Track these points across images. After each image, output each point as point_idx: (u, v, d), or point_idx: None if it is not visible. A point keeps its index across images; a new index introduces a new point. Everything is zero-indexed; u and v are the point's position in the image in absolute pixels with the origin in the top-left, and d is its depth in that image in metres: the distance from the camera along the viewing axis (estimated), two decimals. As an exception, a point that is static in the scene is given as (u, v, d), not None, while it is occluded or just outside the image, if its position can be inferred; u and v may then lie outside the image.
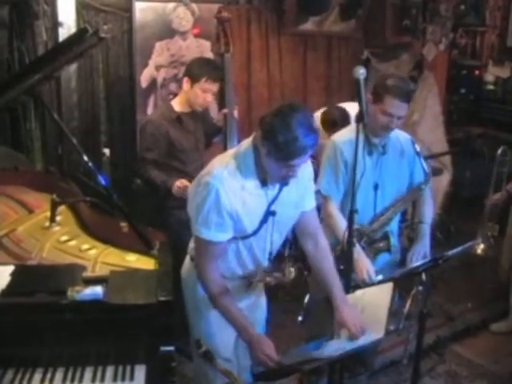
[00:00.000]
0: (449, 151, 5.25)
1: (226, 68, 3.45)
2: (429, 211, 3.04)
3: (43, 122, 3.82)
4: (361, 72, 2.21)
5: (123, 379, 1.95)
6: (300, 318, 3.64)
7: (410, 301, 3.63)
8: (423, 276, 2.67)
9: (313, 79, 4.92)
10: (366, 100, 2.36)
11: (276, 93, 4.72)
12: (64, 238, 2.47)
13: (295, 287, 3.47)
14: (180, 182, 3.09)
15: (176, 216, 3.17)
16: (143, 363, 1.99)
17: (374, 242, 2.86)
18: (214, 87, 3.23)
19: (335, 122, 3.91)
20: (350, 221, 2.33)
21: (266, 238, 2.26)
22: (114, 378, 1.95)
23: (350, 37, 5.06)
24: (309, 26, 4.80)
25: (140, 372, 1.97)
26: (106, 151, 4.20)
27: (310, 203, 2.35)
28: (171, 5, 4.05)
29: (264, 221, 2.19)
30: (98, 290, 1.96)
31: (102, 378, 1.95)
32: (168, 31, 4.09)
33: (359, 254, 2.70)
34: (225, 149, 3.20)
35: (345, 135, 2.77)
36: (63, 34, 3.64)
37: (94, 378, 1.94)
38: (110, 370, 1.97)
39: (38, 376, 1.93)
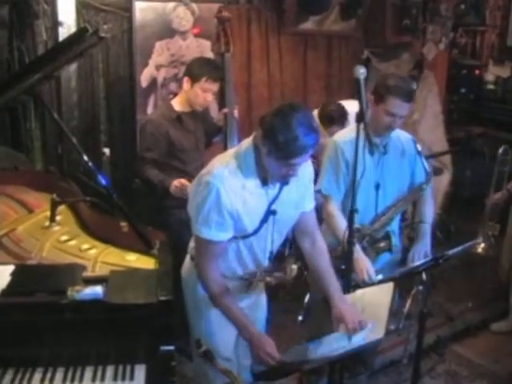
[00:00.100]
0: (449, 151, 5.25)
1: (226, 68, 3.45)
2: (429, 211, 3.04)
3: (43, 121, 3.82)
4: (361, 71, 2.21)
5: (123, 379, 1.94)
6: (300, 318, 3.64)
7: (410, 300, 3.63)
8: (423, 275, 2.66)
9: (313, 79, 4.92)
10: (367, 100, 2.36)
11: (276, 92, 4.72)
12: (64, 237, 2.47)
13: (295, 287, 3.47)
14: (178, 182, 3.08)
15: (176, 215, 3.17)
16: (143, 363, 1.99)
17: (375, 241, 2.86)
18: (215, 87, 3.23)
19: (332, 117, 3.92)
20: (351, 220, 2.33)
21: (266, 238, 2.26)
22: (114, 378, 1.94)
23: (350, 36, 5.06)
24: (309, 25, 4.79)
25: (140, 372, 1.97)
26: (106, 151, 4.20)
27: (310, 203, 2.36)
28: (171, 4, 4.05)
29: (264, 220, 2.19)
30: (98, 290, 1.96)
31: (102, 378, 1.94)
32: (168, 31, 4.08)
33: (359, 253, 2.70)
34: (225, 148, 3.20)
35: (346, 135, 2.77)
36: (63, 33, 3.64)
37: (94, 378, 1.94)
38: (110, 370, 1.97)
39: (38, 376, 1.93)
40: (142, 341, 1.98)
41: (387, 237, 2.87)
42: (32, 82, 2.60)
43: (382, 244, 2.87)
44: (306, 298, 3.58)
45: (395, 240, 2.87)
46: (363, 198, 2.75)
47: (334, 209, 2.83)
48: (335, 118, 3.91)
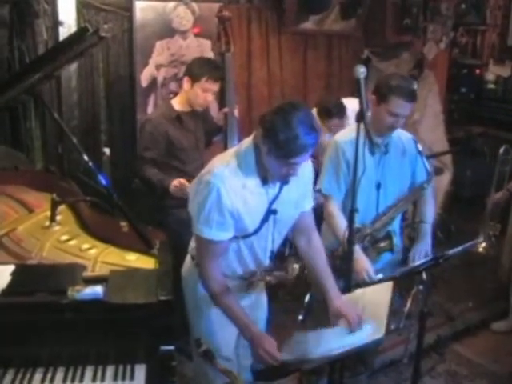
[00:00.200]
0: (449, 150, 5.25)
1: (226, 67, 3.44)
2: (430, 210, 3.04)
3: (43, 121, 3.82)
4: (361, 71, 2.21)
5: (123, 379, 1.95)
6: (300, 318, 3.64)
7: (411, 300, 3.63)
8: (424, 275, 2.67)
9: (313, 78, 4.92)
10: (367, 99, 2.36)
11: (276, 91, 4.72)
12: (64, 237, 2.47)
13: (296, 287, 3.47)
14: (177, 181, 3.08)
15: (175, 215, 3.17)
16: (143, 363, 1.99)
17: (376, 241, 2.86)
18: (215, 87, 3.23)
19: (329, 109, 3.92)
20: (351, 220, 2.33)
21: (267, 237, 2.26)
22: (115, 378, 1.95)
23: (350, 36, 5.06)
24: (309, 24, 4.79)
25: (140, 371, 1.97)
26: (106, 150, 4.20)
27: (309, 203, 2.37)
28: (171, 4, 4.05)
29: (265, 220, 2.19)
30: (98, 290, 1.96)
31: (103, 378, 1.95)
32: (168, 30, 4.08)
33: (359, 253, 2.70)
34: (225, 148, 3.20)
35: (347, 135, 2.77)
36: (63, 33, 3.64)
37: (94, 378, 1.94)
38: (110, 370, 1.97)
39: (38, 376, 1.93)
40: (142, 341, 1.98)
41: (388, 236, 2.87)
42: (32, 81, 2.60)
43: (384, 244, 2.87)
44: (307, 298, 3.58)
45: (396, 240, 2.88)
46: (364, 198, 2.75)
47: (335, 209, 2.83)
48: (332, 110, 3.92)
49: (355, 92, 2.30)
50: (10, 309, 1.91)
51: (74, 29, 3.63)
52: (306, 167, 2.22)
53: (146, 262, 2.26)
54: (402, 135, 2.90)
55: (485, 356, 3.66)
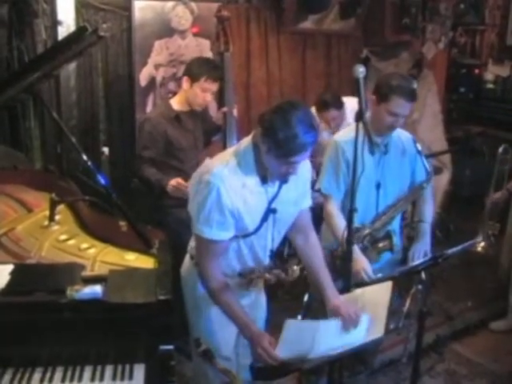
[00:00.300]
0: (448, 150, 5.25)
1: (225, 67, 3.44)
2: (429, 210, 3.04)
3: (42, 120, 3.82)
4: (360, 71, 2.21)
5: (122, 378, 1.94)
6: (300, 317, 3.64)
7: (410, 299, 3.62)
8: (423, 275, 2.66)
9: (312, 77, 4.92)
10: (366, 99, 2.36)
11: (275, 91, 4.72)
12: (63, 236, 2.47)
13: (295, 286, 3.47)
14: (175, 181, 3.08)
15: (174, 215, 3.17)
16: (142, 362, 1.99)
17: (376, 241, 2.86)
18: (214, 87, 3.23)
19: (326, 101, 3.93)
20: (350, 220, 2.33)
21: (266, 236, 2.26)
22: (113, 377, 1.94)
23: (349, 35, 5.06)
24: (308, 24, 4.79)
25: (139, 371, 1.97)
26: (105, 150, 4.20)
27: (308, 202, 2.37)
28: (170, 3, 4.05)
29: (265, 219, 2.19)
30: (97, 289, 1.96)
31: (101, 377, 1.94)
32: (167, 30, 4.08)
33: (357, 254, 2.70)
34: (224, 147, 3.20)
35: (346, 135, 2.77)
36: (62, 32, 3.63)
37: (93, 377, 1.94)
38: (109, 369, 1.97)
39: (37, 375, 1.93)
40: (141, 340, 1.98)
41: (388, 236, 2.87)
42: (31, 80, 2.59)
43: (384, 243, 2.87)
44: (306, 298, 3.57)
45: (396, 239, 2.88)
46: (364, 198, 2.75)
47: (334, 208, 2.83)
48: (329, 101, 3.93)
49: (354, 91, 2.29)
50: (8, 308, 1.90)
51: (72, 28, 3.63)
52: (304, 166, 2.22)
53: (145, 262, 2.26)
54: (401, 135, 2.90)
55: (484, 355, 3.66)
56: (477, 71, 6.02)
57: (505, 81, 5.89)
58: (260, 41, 4.57)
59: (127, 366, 1.98)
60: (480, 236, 3.84)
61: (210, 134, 3.51)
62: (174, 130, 3.24)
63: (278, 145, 1.97)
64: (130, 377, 1.95)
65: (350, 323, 2.22)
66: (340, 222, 2.74)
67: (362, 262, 2.73)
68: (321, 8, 4.67)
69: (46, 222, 2.58)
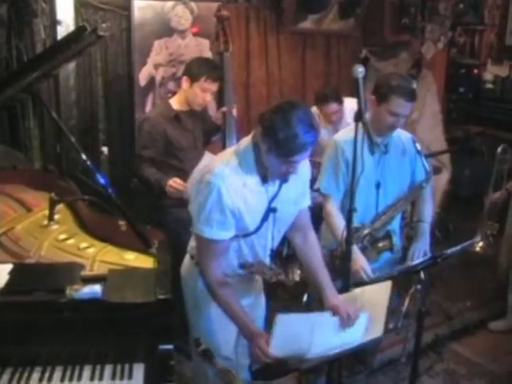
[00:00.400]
0: (448, 150, 5.25)
1: (225, 67, 3.44)
2: (428, 210, 3.04)
3: (42, 120, 3.82)
4: (359, 71, 2.21)
5: (122, 378, 1.94)
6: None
7: (409, 299, 3.62)
8: (422, 274, 2.67)
9: (312, 77, 4.92)
10: (366, 99, 2.36)
11: (275, 91, 4.72)
12: (62, 236, 2.46)
13: (294, 286, 3.46)
14: (173, 181, 3.08)
15: (173, 214, 3.17)
16: (142, 362, 1.99)
17: (376, 241, 2.86)
18: (214, 87, 3.23)
19: (326, 95, 3.93)
20: (349, 220, 2.33)
21: (266, 236, 2.27)
22: (113, 377, 1.94)
23: (348, 35, 5.06)
24: (308, 24, 4.80)
25: (138, 370, 1.97)
26: (105, 149, 4.20)
27: (307, 201, 2.38)
28: (170, 3, 4.05)
29: (265, 218, 2.19)
30: (96, 289, 1.96)
31: (101, 377, 1.94)
32: (167, 30, 4.08)
33: (356, 253, 2.70)
34: (223, 147, 3.20)
35: (346, 135, 2.77)
36: (61, 32, 3.63)
37: (92, 377, 1.94)
38: (108, 369, 1.97)
39: (36, 375, 1.93)
40: (140, 340, 1.98)
41: (388, 236, 2.87)
42: (30, 80, 2.59)
43: (383, 243, 2.87)
44: (305, 297, 3.57)
45: (396, 239, 2.88)
46: (364, 197, 2.75)
47: (333, 208, 2.83)
48: (329, 94, 3.93)
49: (354, 91, 2.29)
50: (8, 308, 1.90)
51: (72, 28, 3.63)
52: (304, 166, 2.23)
53: (144, 261, 2.26)
54: (401, 135, 2.90)
55: (483, 355, 3.66)
56: (476, 71, 6.02)
57: (504, 81, 5.89)
58: (259, 40, 4.58)
59: (126, 366, 1.98)
60: (478, 236, 3.84)
61: (209, 134, 3.51)
62: (174, 130, 3.24)
63: (278, 144, 1.97)
64: (130, 376, 1.95)
65: (348, 323, 2.22)
66: (339, 222, 2.74)
67: (360, 261, 2.73)
68: (320, 8, 4.68)
69: (46, 222, 2.58)
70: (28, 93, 2.84)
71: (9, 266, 2.07)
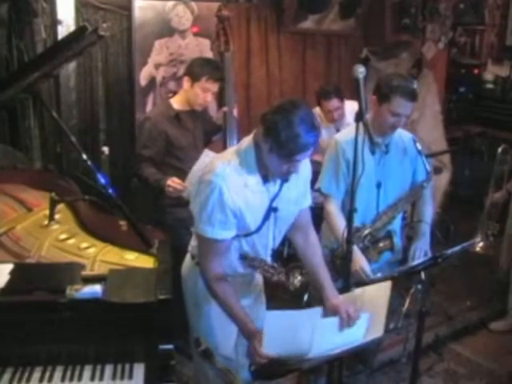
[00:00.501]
0: (448, 150, 5.25)
1: (225, 66, 3.44)
2: (428, 210, 3.04)
3: (42, 120, 3.81)
4: (360, 71, 2.21)
5: (122, 378, 1.94)
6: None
7: (409, 299, 3.64)
8: (422, 275, 2.67)
9: (312, 78, 4.92)
10: (366, 99, 2.36)
11: (275, 91, 4.72)
12: (63, 236, 2.46)
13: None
14: (172, 181, 3.07)
15: (173, 214, 3.17)
16: (142, 362, 1.99)
17: (377, 241, 2.86)
18: (215, 87, 3.23)
19: (329, 91, 3.92)
20: (349, 220, 2.33)
21: (267, 235, 2.27)
22: (113, 377, 1.94)
23: (349, 35, 5.06)
24: (308, 24, 4.79)
25: (139, 370, 1.97)
26: (105, 149, 4.19)
27: (308, 201, 2.38)
28: (171, 3, 4.05)
29: (266, 217, 2.20)
30: (97, 289, 1.96)
31: (101, 377, 1.94)
32: (167, 29, 4.08)
33: (356, 253, 2.70)
34: (224, 147, 3.20)
35: (347, 135, 2.77)
36: (62, 31, 3.63)
37: (92, 377, 1.94)
38: (108, 369, 1.97)
39: (36, 374, 1.93)
40: (140, 340, 1.98)
41: (389, 236, 2.87)
42: (31, 80, 2.59)
43: (384, 243, 2.87)
44: (305, 298, 3.58)
45: (397, 239, 2.88)
46: (365, 197, 2.75)
47: (334, 208, 2.84)
48: (331, 90, 3.92)
49: (354, 92, 2.29)
50: (8, 307, 1.90)
51: (72, 28, 3.63)
52: (304, 166, 2.23)
53: (145, 261, 2.26)
54: (402, 134, 2.90)
55: (483, 355, 3.67)
56: (476, 71, 6.02)
57: (504, 81, 5.89)
58: (260, 40, 4.57)
59: (127, 366, 1.98)
60: (479, 236, 3.84)
61: (210, 134, 3.51)
62: (174, 130, 3.24)
63: (280, 144, 1.98)
64: (130, 376, 1.95)
65: (348, 323, 2.22)
66: (340, 222, 2.74)
67: (360, 261, 2.73)
68: (321, 8, 4.67)
69: (46, 222, 2.58)
70: (29, 93, 2.85)
71: (9, 266, 2.07)
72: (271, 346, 2.05)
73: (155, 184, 3.15)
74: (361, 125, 2.25)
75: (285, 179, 2.17)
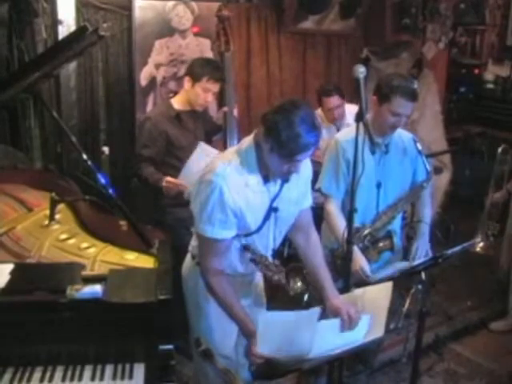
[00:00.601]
0: (448, 150, 5.25)
1: (226, 66, 3.44)
2: (428, 211, 3.04)
3: (42, 120, 3.82)
4: (360, 71, 2.21)
5: (122, 378, 1.94)
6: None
7: (410, 299, 3.64)
8: (422, 275, 2.67)
9: (312, 78, 4.92)
10: (366, 99, 2.37)
11: (275, 91, 4.72)
12: (63, 236, 2.47)
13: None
14: (165, 182, 3.07)
15: (173, 214, 3.17)
16: (142, 362, 1.99)
17: (377, 241, 2.86)
18: (215, 87, 3.23)
19: (329, 89, 3.92)
20: (350, 220, 2.34)
21: (268, 235, 2.27)
22: (113, 377, 1.95)
23: (349, 35, 5.06)
24: (308, 24, 4.79)
25: (139, 370, 1.97)
26: (105, 149, 4.19)
27: (308, 201, 2.38)
28: (171, 3, 4.05)
29: (267, 217, 2.20)
30: (97, 289, 1.96)
31: (102, 377, 1.95)
32: (168, 29, 4.08)
33: (356, 253, 2.70)
34: (224, 147, 3.20)
35: (347, 134, 2.77)
36: (63, 31, 3.63)
37: (93, 377, 1.94)
38: (109, 369, 1.97)
39: (37, 375, 1.93)
40: (141, 340, 1.98)
41: (389, 236, 2.87)
42: (31, 80, 2.59)
43: (384, 243, 2.87)
44: (305, 298, 3.58)
45: (397, 239, 2.88)
46: (364, 197, 2.75)
47: (334, 208, 2.84)
48: (332, 88, 3.92)
49: (354, 92, 2.30)
50: (9, 307, 1.90)
51: (73, 28, 3.63)
52: (305, 166, 2.23)
53: (145, 261, 2.26)
54: (402, 134, 2.90)
55: (484, 355, 3.67)
56: (477, 71, 6.02)
57: (505, 81, 5.89)
58: (260, 41, 4.57)
59: (127, 366, 1.98)
60: (479, 236, 3.85)
61: (210, 134, 3.51)
62: (175, 130, 3.24)
63: (280, 144, 1.98)
64: (130, 376, 1.95)
65: (350, 325, 2.22)
66: (340, 222, 2.74)
67: (359, 261, 2.73)
68: (321, 8, 4.67)
69: (46, 222, 2.58)
70: (29, 93, 2.85)
71: (10, 266, 2.08)
72: (265, 347, 2.05)
73: (154, 184, 3.15)
74: (361, 125, 2.25)
75: (285, 179, 2.17)
